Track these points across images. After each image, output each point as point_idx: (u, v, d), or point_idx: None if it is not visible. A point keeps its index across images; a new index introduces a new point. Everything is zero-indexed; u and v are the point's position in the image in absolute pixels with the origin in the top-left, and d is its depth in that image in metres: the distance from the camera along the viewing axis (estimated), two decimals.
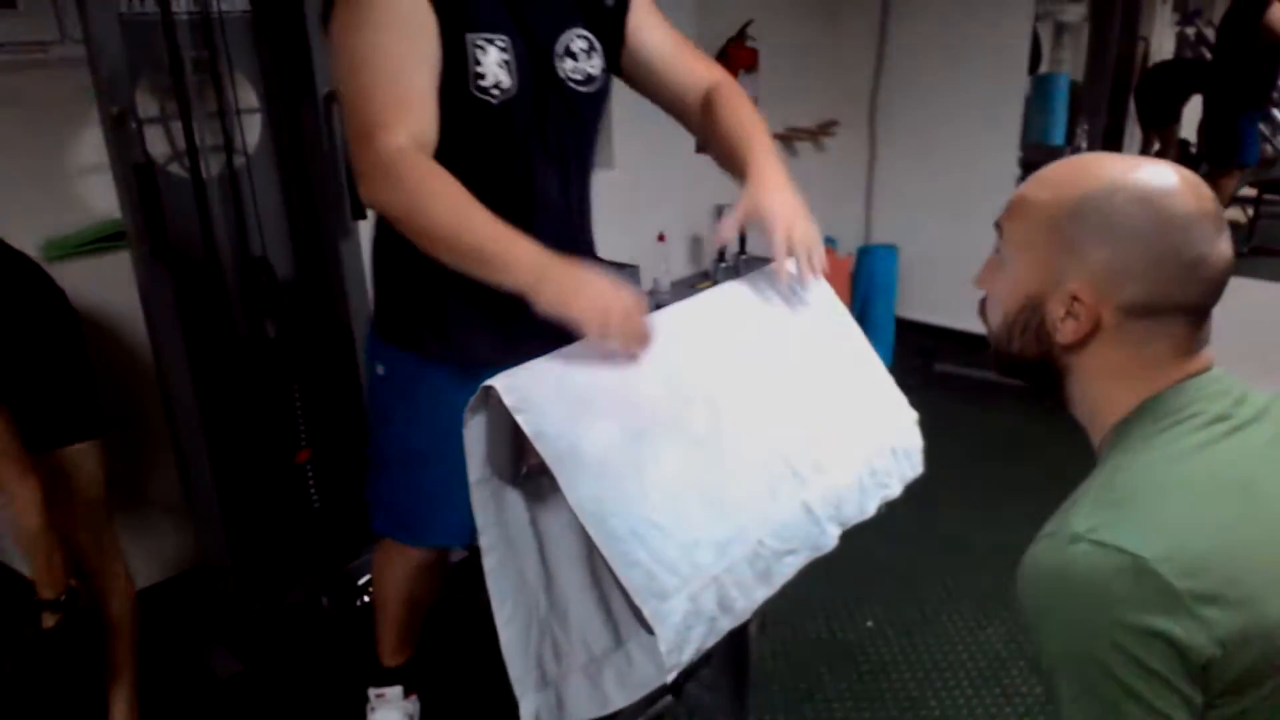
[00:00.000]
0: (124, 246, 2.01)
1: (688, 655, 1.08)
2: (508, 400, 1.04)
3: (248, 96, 2.14)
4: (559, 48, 1.36)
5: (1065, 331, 0.84)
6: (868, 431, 1.33)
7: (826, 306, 1.38)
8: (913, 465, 1.38)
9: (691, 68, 1.48)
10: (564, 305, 1.09)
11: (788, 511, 1.19)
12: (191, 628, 2.26)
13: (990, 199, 4.33)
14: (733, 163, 1.38)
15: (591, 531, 1.03)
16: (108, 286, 2.15)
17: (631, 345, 1.12)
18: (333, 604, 2.33)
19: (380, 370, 1.55)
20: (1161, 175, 0.81)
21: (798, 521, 1.20)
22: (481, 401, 1.10)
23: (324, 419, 2.28)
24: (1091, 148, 4.90)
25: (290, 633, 2.26)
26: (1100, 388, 0.86)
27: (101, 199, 2.10)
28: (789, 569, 1.20)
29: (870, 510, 1.31)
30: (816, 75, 3.96)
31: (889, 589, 2.44)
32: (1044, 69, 4.69)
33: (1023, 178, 4.50)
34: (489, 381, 1.07)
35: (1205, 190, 0.81)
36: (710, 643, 1.11)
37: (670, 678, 1.09)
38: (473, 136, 1.30)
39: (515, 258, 1.13)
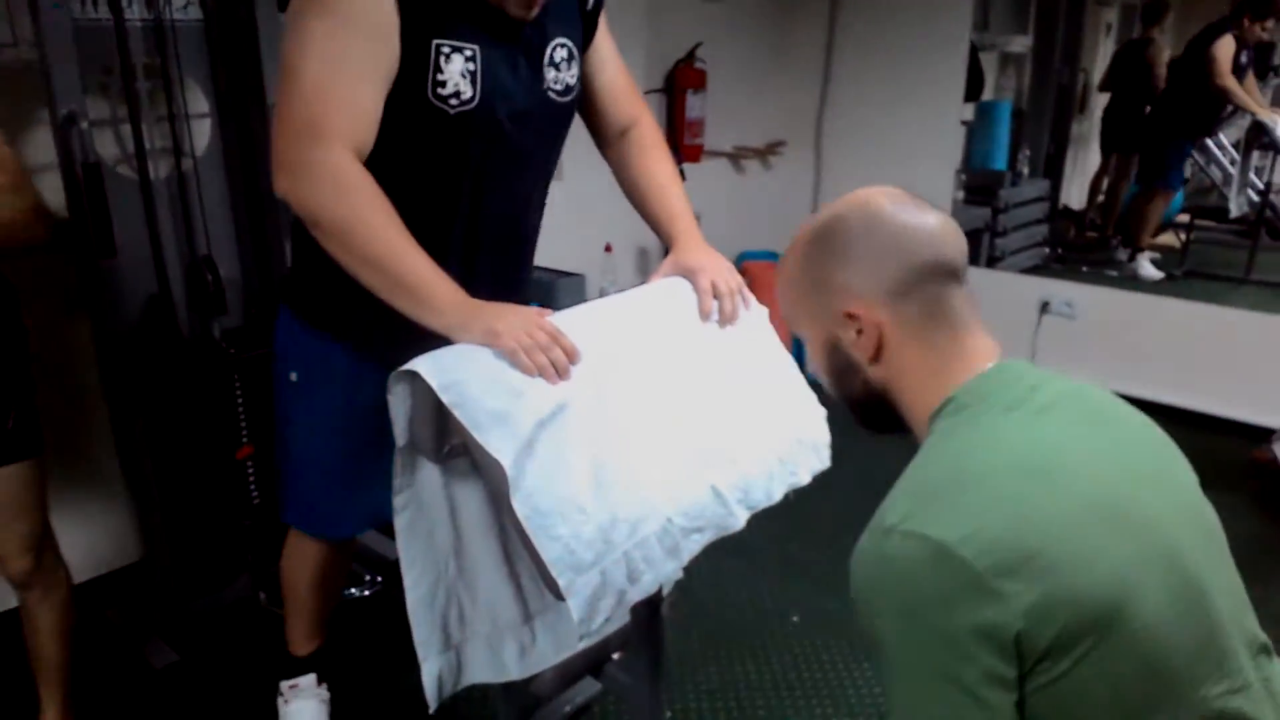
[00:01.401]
0: (71, 245, 2.06)
1: (597, 624, 1.15)
2: (433, 381, 1.11)
3: (198, 101, 2.20)
4: (545, 58, 1.36)
5: (864, 347, 0.94)
6: (777, 423, 1.41)
7: (746, 311, 1.46)
8: (820, 458, 1.45)
9: (626, 99, 1.54)
10: (490, 343, 1.17)
11: (697, 492, 1.26)
12: (130, 620, 2.29)
13: None
14: (650, 216, 1.52)
15: (519, 506, 1.09)
16: (54, 284, 2.20)
17: (561, 372, 1.18)
18: (270, 599, 2.37)
19: (294, 377, 1.54)
20: (852, 197, 0.98)
21: (706, 502, 1.27)
22: (405, 378, 1.17)
23: (266, 416, 2.32)
24: (1033, 173, 5.09)
25: (227, 627, 2.30)
26: (913, 390, 0.94)
27: (51, 197, 2.14)
28: (695, 546, 1.27)
29: (777, 496, 1.38)
30: (764, 96, 4.09)
31: (814, 586, 2.53)
32: (988, 96, 4.87)
33: (965, 199, 4.62)
34: (412, 366, 1.14)
35: (895, 191, 0.97)
36: (618, 612, 1.18)
37: (582, 645, 1.17)
38: (422, 144, 1.29)
39: (444, 299, 1.18)
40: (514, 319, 1.17)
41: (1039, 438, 0.87)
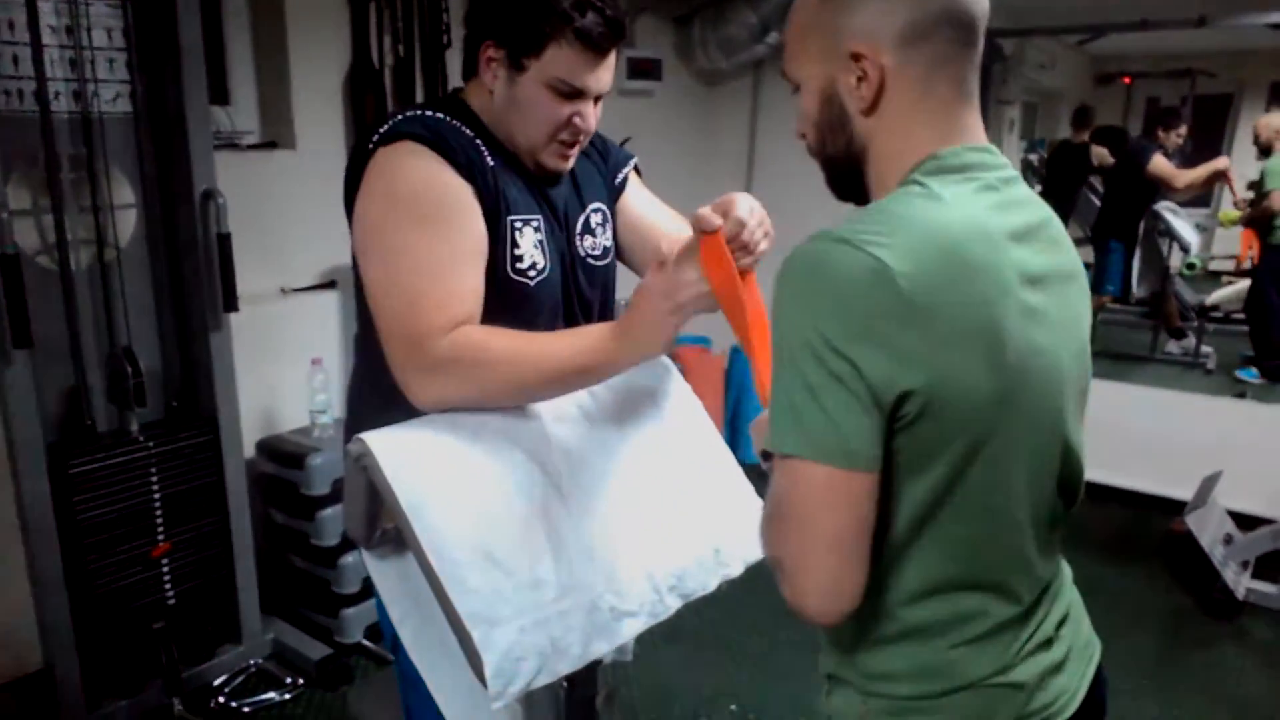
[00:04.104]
0: None
1: (517, 688, 1.10)
2: (373, 443, 1.10)
3: (124, 193, 2.18)
4: (579, 225, 1.36)
5: (863, 95, 0.87)
6: (714, 514, 1.41)
7: (684, 401, 1.48)
8: (754, 550, 1.46)
9: (673, 223, 1.47)
10: (656, 339, 1.13)
11: (631, 574, 1.25)
12: None
13: None
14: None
15: (432, 557, 1.07)
16: None
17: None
18: (186, 707, 2.25)
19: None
20: None
21: (640, 587, 1.26)
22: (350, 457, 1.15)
23: (184, 512, 2.25)
24: None
25: None
26: (895, 150, 0.88)
27: None
28: (629, 630, 1.24)
29: (711, 587, 1.38)
30: (692, 185, 4.21)
31: (751, 673, 2.51)
32: None
33: None
34: (360, 435, 1.12)
35: None
36: (542, 682, 1.15)
37: (498, 705, 1.13)
38: (502, 318, 1.24)
39: (610, 353, 1.14)
40: (656, 302, 1.12)
41: (1003, 227, 0.85)
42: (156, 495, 2.18)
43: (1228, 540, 2.85)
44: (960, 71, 0.87)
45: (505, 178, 1.25)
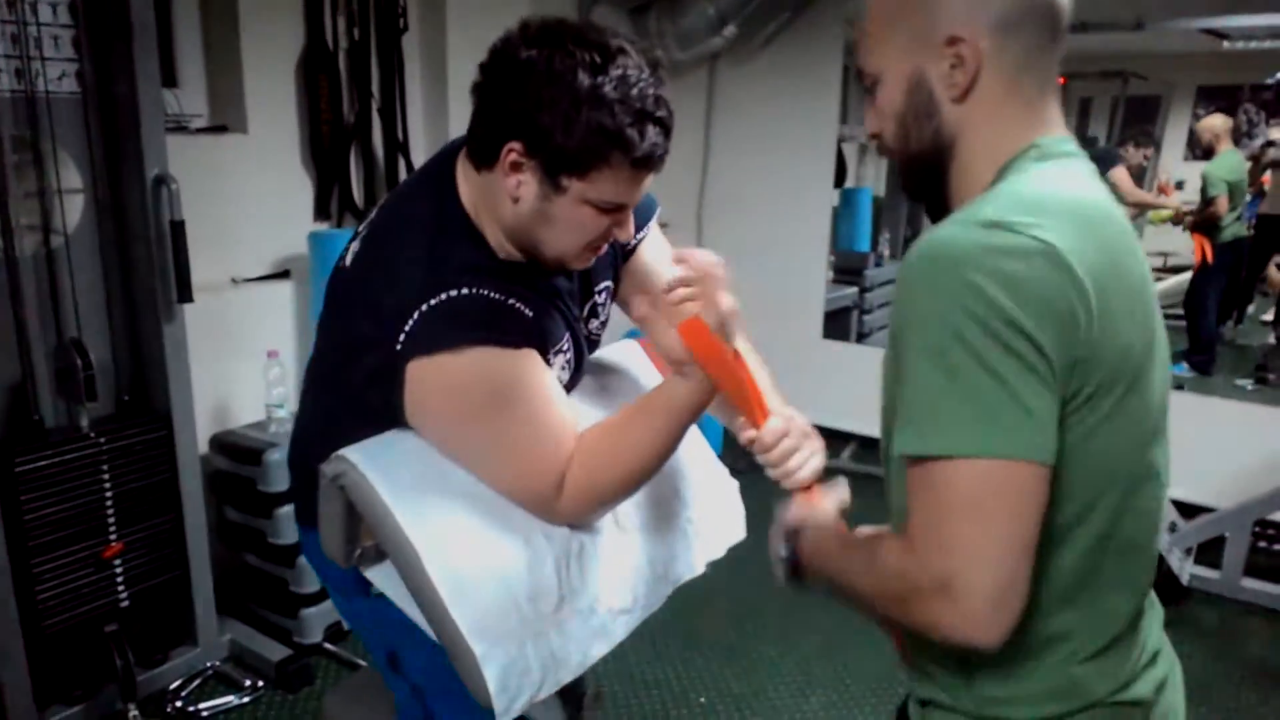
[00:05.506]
0: None
1: (521, 704, 1.09)
2: (357, 460, 1.07)
3: (71, 176, 2.08)
4: (585, 311, 1.31)
5: (956, 82, 0.84)
6: (695, 498, 1.41)
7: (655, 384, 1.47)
8: (736, 530, 1.46)
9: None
10: (719, 367, 1.15)
11: (623, 570, 1.24)
12: None
13: (805, 298, 4.62)
14: None
15: (430, 567, 1.04)
16: None
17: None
18: (143, 711, 2.16)
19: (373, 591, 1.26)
20: None
21: (633, 581, 1.25)
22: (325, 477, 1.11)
23: (137, 511, 2.16)
24: (893, 256, 5.39)
25: None
26: (987, 137, 0.86)
27: None
28: (624, 628, 1.24)
29: (698, 569, 1.38)
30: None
31: (720, 666, 2.52)
32: (850, 184, 5.17)
33: (834, 279, 4.80)
34: (340, 452, 1.10)
35: None
36: (546, 693, 1.13)
37: None
38: None
39: (681, 411, 1.15)
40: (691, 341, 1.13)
41: (1113, 208, 0.86)
42: (108, 494, 2.09)
43: (1172, 528, 2.95)
44: (1047, 65, 0.86)
45: (543, 317, 1.17)
